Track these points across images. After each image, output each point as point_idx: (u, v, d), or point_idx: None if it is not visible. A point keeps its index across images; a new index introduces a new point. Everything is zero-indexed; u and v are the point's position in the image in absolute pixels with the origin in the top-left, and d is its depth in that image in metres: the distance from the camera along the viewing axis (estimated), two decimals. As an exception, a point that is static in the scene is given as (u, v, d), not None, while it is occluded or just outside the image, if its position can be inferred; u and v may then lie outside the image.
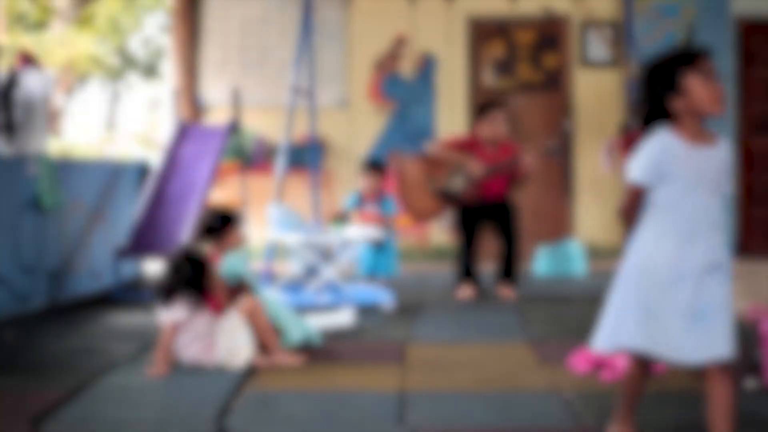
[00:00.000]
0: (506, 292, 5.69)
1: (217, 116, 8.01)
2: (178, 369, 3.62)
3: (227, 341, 3.66)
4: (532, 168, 5.71)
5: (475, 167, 5.67)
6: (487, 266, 6.88)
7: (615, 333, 2.55)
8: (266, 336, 3.75)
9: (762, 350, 3.26)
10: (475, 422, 2.86)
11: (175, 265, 3.75)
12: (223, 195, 7.65)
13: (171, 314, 3.64)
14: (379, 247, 5.76)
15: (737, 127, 7.89)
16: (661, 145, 2.54)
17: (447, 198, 5.67)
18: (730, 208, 5.43)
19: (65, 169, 5.54)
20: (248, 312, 3.72)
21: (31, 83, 5.36)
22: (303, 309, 4.80)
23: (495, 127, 5.80)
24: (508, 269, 5.78)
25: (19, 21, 13.58)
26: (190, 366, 3.64)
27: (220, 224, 4.05)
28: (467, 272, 5.77)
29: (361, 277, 5.81)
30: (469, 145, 5.83)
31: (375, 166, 5.68)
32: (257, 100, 8.04)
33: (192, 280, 3.72)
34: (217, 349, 3.66)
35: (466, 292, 5.68)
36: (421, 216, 5.86)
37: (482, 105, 6.08)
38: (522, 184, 5.98)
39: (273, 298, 4.10)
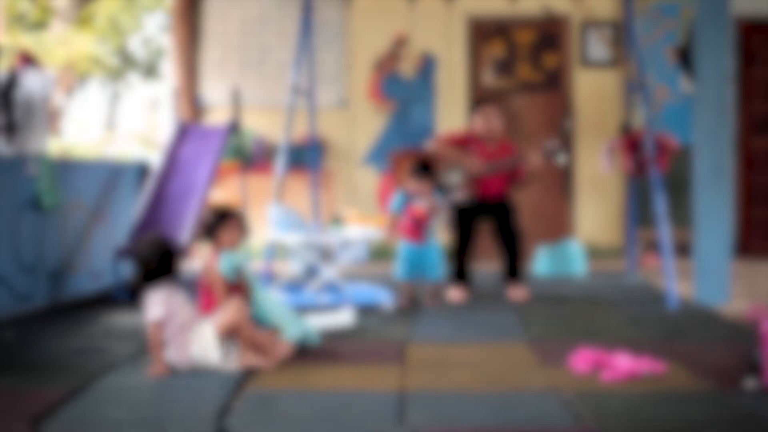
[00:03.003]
0: (517, 292, 5.67)
1: (217, 116, 8.01)
2: (178, 369, 3.61)
3: (197, 349, 3.61)
4: (537, 167, 5.73)
5: (475, 164, 5.68)
6: (488, 267, 6.89)
7: None
8: (256, 342, 3.72)
9: (762, 350, 3.26)
10: (475, 422, 2.86)
11: (139, 256, 3.69)
12: (223, 195, 7.65)
13: (151, 313, 3.61)
14: (423, 246, 5.31)
15: (737, 127, 7.89)
16: None
17: (441, 190, 5.66)
18: (730, 207, 5.43)
19: (65, 169, 5.54)
20: (227, 327, 3.61)
21: (31, 83, 5.36)
22: (303, 309, 4.80)
23: (488, 121, 5.79)
24: (514, 268, 5.77)
25: (19, 21, 13.58)
26: (183, 366, 3.64)
27: (215, 223, 4.02)
28: (459, 274, 5.75)
29: (402, 279, 5.39)
30: (466, 141, 5.83)
31: (426, 171, 5.34)
32: (257, 100, 8.05)
33: (159, 266, 3.67)
34: (188, 350, 3.63)
35: (456, 294, 5.65)
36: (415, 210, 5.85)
37: (475, 101, 6.10)
38: (526, 184, 5.99)
39: (271, 297, 4.10)
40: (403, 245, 5.36)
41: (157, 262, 3.69)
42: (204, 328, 3.63)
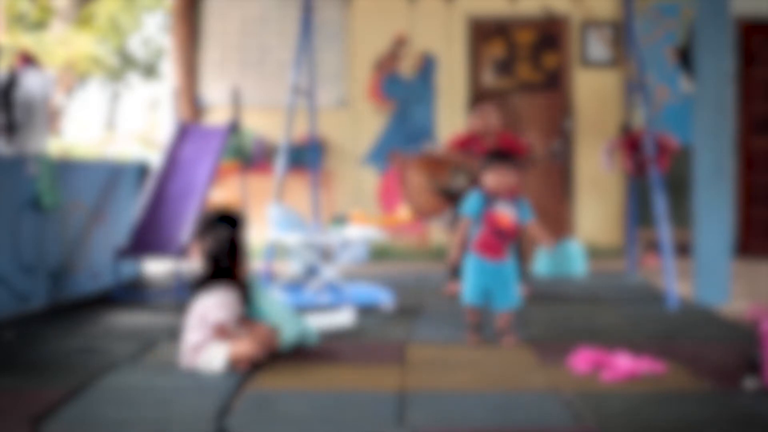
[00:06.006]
0: (520, 291, 5.67)
1: (217, 116, 8.01)
2: (177, 369, 3.62)
3: (204, 361, 3.60)
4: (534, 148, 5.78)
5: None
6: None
7: None
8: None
9: (762, 350, 3.26)
10: (475, 422, 2.86)
11: (211, 252, 3.71)
12: (223, 195, 7.65)
13: (218, 314, 3.61)
14: (500, 264, 4.17)
15: (737, 127, 7.89)
16: None
17: (448, 196, 5.67)
18: (730, 207, 5.43)
19: (65, 169, 5.54)
20: (239, 358, 3.56)
21: (31, 83, 5.36)
22: (303, 309, 4.80)
23: (485, 119, 5.82)
24: (517, 267, 5.76)
25: (19, 21, 13.57)
26: (188, 366, 3.64)
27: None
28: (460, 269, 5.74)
29: (470, 304, 4.21)
30: (469, 142, 5.85)
31: (504, 157, 4.19)
32: (257, 100, 8.05)
33: (228, 264, 3.71)
34: (198, 360, 3.63)
35: (455, 288, 5.65)
36: (422, 213, 5.86)
37: (473, 100, 6.11)
38: (530, 165, 5.97)
39: (271, 297, 4.10)
40: (473, 261, 4.18)
41: (228, 260, 3.72)
42: (218, 350, 3.59)
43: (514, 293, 4.19)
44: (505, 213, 4.13)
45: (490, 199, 4.14)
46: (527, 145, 5.89)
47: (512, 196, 4.16)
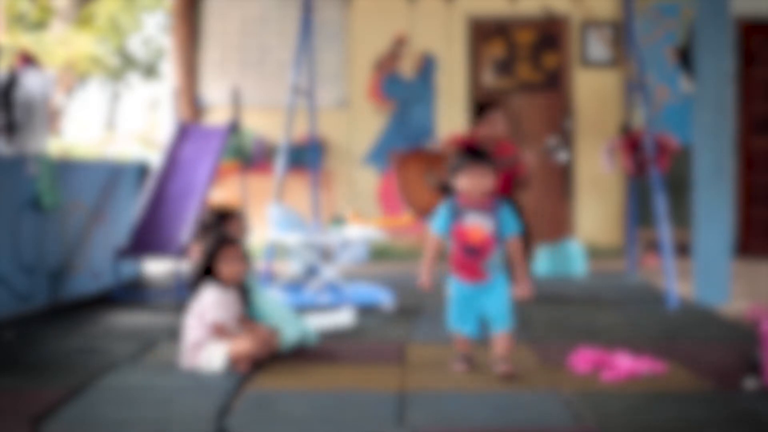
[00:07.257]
0: (520, 291, 5.63)
1: (217, 116, 8.01)
2: (177, 369, 3.62)
3: (204, 360, 3.61)
4: (531, 166, 5.69)
5: None
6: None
7: None
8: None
9: (762, 350, 3.26)
10: (475, 422, 2.86)
11: (206, 251, 3.73)
12: (223, 195, 7.65)
13: (214, 314, 3.63)
14: (483, 285, 3.56)
15: (737, 127, 7.89)
16: None
17: (447, 192, 5.64)
18: (730, 207, 5.43)
19: (65, 169, 5.54)
20: (239, 356, 3.58)
21: (31, 83, 5.36)
22: (303, 309, 4.80)
23: (493, 127, 5.80)
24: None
25: (19, 21, 13.58)
26: (188, 366, 3.64)
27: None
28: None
29: (455, 331, 3.69)
30: (468, 143, 5.84)
31: (480, 156, 3.52)
32: (257, 100, 8.05)
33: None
34: (198, 359, 3.64)
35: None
36: (421, 211, 5.84)
37: (481, 105, 6.06)
38: (524, 186, 5.97)
39: (270, 298, 4.10)
40: (454, 284, 3.64)
41: (216, 260, 3.73)
42: (217, 348, 3.60)
43: (507, 313, 3.57)
44: (477, 226, 3.48)
45: (460, 209, 3.51)
46: (516, 150, 5.83)
47: (490, 204, 3.52)
